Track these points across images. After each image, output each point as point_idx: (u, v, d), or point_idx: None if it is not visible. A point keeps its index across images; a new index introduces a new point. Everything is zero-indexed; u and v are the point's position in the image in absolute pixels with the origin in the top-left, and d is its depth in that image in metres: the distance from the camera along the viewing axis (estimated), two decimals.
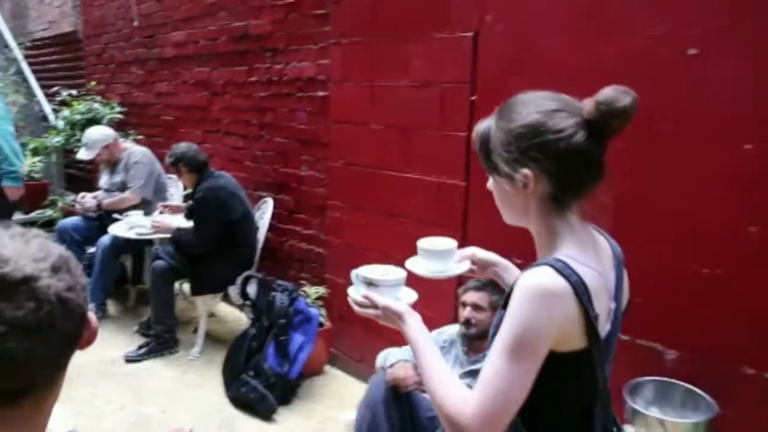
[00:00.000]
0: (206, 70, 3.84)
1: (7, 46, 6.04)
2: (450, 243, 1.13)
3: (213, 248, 2.79)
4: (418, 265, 1.12)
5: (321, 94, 2.92)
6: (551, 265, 0.86)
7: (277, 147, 3.27)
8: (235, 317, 3.30)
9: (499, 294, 1.81)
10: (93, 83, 5.10)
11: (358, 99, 2.60)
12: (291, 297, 2.59)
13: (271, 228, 3.18)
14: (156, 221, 3.07)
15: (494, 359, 0.85)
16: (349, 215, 2.70)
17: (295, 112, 3.11)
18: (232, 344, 2.58)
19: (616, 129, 0.87)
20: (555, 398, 0.92)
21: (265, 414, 2.28)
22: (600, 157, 0.90)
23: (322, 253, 2.96)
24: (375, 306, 1.02)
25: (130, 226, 3.16)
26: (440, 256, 1.12)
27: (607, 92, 0.87)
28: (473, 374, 1.75)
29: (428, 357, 0.95)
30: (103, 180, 3.64)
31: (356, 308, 1.04)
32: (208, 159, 3.13)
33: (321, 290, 2.79)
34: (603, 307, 0.90)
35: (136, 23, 4.60)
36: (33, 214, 4.80)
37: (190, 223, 2.98)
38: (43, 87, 5.79)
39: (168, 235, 2.96)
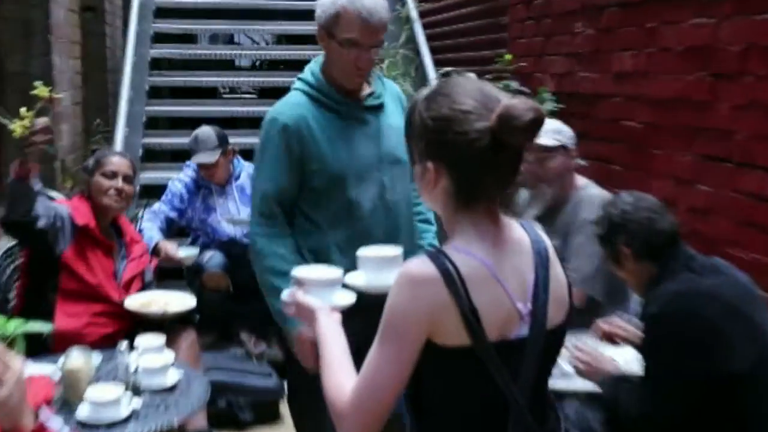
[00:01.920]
0: (706, 23, 3.92)
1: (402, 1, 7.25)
2: (395, 250, 2.28)
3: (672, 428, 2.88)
4: (359, 277, 2.22)
5: None
6: (427, 254, 1.75)
7: None
8: None
9: None
10: (507, 57, 5.57)
11: None
12: None
13: None
14: (584, 356, 3.19)
15: (371, 348, 1.73)
16: None
17: None
18: None
19: (515, 144, 1.73)
20: (448, 400, 1.79)
21: None
22: (507, 164, 1.77)
23: None
24: (296, 304, 2.03)
25: None
26: (384, 264, 2.22)
27: (510, 104, 1.71)
28: None
29: (330, 350, 1.89)
30: None
31: (285, 306, 2.10)
32: (677, 230, 3.04)
33: None
34: (494, 301, 1.75)
35: None
36: None
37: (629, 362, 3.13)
38: (437, 64, 6.66)
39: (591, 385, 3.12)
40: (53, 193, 5.03)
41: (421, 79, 6.66)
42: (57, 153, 5.29)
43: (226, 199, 5.25)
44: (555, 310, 1.84)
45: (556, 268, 1.88)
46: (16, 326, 3.25)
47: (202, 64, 8.89)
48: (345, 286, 2.18)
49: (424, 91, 1.86)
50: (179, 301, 4.02)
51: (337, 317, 2.00)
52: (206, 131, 5.28)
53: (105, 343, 3.59)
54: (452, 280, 1.70)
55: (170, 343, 3.57)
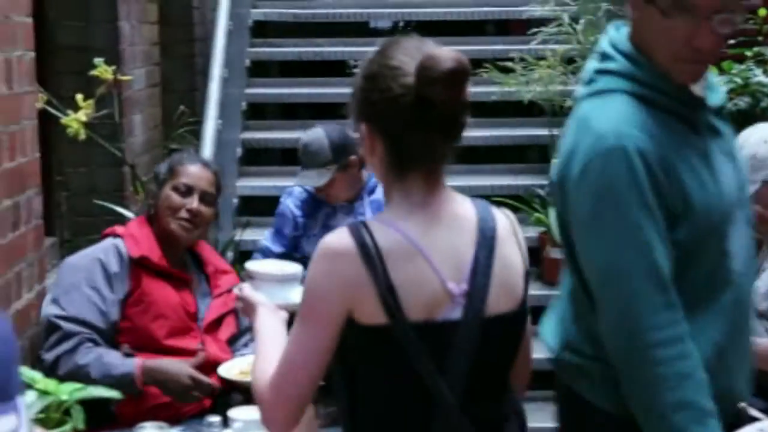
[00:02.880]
0: None
1: None
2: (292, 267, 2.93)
3: None
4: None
5: None
6: (348, 226, 2.25)
7: None
8: None
9: None
10: (761, 12, 5.51)
11: None
12: None
13: None
14: None
15: (292, 329, 2.25)
16: None
17: None
18: None
19: (436, 99, 2.15)
20: (371, 382, 2.28)
21: None
22: (437, 125, 2.22)
23: None
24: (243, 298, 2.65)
25: None
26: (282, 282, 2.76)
27: (431, 53, 2.17)
28: None
29: (264, 347, 2.42)
30: None
31: (237, 302, 2.78)
32: None
33: None
34: (416, 278, 2.20)
35: None
36: None
37: None
38: None
39: None
40: (120, 209, 5.11)
41: None
42: (124, 154, 5.34)
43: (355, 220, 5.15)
44: (500, 295, 2.28)
45: (506, 251, 2.32)
46: (72, 391, 3.29)
47: (324, 28, 8.96)
48: None
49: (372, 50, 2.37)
50: None
51: (283, 315, 2.52)
52: (316, 139, 5.17)
53: (188, 410, 3.71)
54: (369, 254, 2.16)
55: None
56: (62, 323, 3.75)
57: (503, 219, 2.35)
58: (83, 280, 3.82)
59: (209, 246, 4.33)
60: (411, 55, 2.18)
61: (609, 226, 2.61)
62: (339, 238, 2.21)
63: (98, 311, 3.77)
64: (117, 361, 3.70)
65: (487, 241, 2.27)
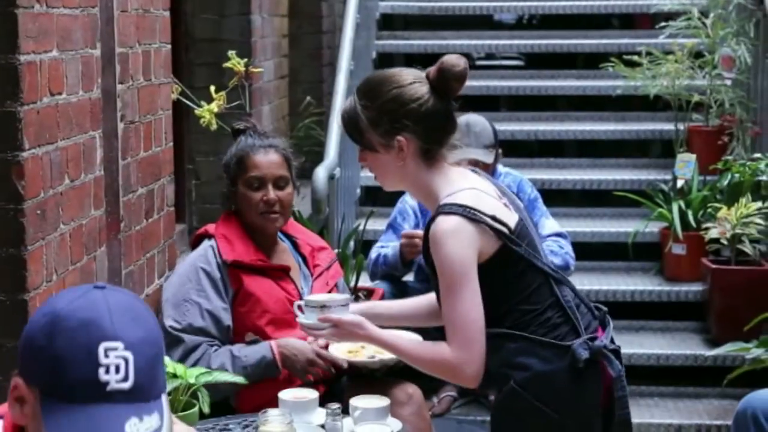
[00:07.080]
0: None
1: None
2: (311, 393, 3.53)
3: None
4: None
5: None
6: (441, 213, 2.98)
7: None
8: None
9: None
10: None
11: None
12: None
13: None
14: None
15: (445, 301, 2.97)
16: None
17: None
18: None
19: (456, 89, 3.08)
20: (516, 296, 3.02)
21: None
22: (451, 112, 3.13)
23: None
24: (332, 325, 3.13)
25: None
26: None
27: (447, 59, 3.04)
28: None
29: (399, 342, 3.14)
30: None
31: (311, 332, 3.32)
32: None
33: None
34: (495, 205, 3.03)
35: None
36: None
37: None
38: None
39: None
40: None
41: (765, 41, 6.40)
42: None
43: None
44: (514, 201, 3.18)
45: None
46: (199, 375, 3.37)
47: (449, 20, 8.97)
48: None
49: (350, 99, 3.16)
50: None
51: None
52: (480, 120, 5.15)
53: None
54: (469, 214, 2.88)
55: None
56: (183, 336, 3.82)
57: None
58: (192, 290, 3.90)
59: (299, 225, 4.35)
60: (410, 73, 3.03)
61: None
62: (446, 220, 2.89)
63: (212, 318, 3.85)
64: (248, 350, 3.78)
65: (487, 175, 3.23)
